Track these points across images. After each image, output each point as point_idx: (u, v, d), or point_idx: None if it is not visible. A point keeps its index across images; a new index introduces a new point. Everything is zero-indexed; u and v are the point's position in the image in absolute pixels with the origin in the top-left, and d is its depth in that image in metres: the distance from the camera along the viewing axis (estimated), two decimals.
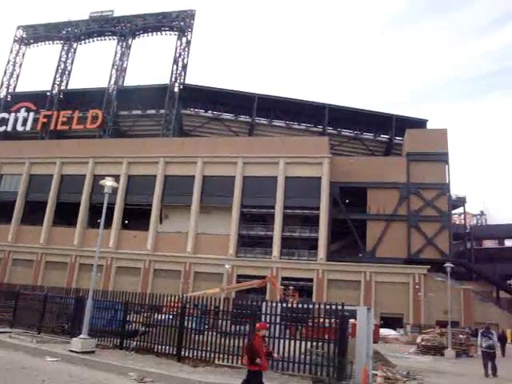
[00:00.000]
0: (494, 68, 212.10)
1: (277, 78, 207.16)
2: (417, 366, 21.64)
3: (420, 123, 72.93)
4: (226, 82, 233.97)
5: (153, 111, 79.00)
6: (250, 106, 74.59)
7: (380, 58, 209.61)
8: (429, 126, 74.08)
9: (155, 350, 16.11)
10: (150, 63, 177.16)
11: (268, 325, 13.00)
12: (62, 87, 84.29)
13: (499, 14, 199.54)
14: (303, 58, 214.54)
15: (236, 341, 15.09)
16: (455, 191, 74.24)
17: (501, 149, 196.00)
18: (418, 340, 32.95)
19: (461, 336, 31.52)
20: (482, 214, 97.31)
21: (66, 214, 65.83)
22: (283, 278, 56.02)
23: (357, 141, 77.70)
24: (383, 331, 44.31)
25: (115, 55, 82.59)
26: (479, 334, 21.40)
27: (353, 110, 74.75)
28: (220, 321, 16.25)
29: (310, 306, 14.76)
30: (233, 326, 16.11)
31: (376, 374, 13.72)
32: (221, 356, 14.89)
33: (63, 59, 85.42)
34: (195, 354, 15.29)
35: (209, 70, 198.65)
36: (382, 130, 76.65)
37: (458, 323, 48.16)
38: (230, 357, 14.69)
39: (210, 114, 78.72)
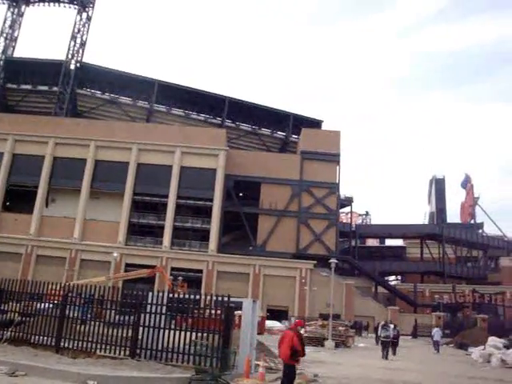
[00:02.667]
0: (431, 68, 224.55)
1: (188, 68, 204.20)
2: None
3: (315, 123, 75.68)
4: (129, 66, 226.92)
5: (45, 88, 74.17)
6: (150, 91, 72.85)
7: (302, 55, 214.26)
8: (330, 127, 77.11)
9: (32, 340, 15.20)
10: (47, 36, 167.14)
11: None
12: None
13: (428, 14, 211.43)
14: (218, 49, 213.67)
15: (120, 331, 14.70)
16: (344, 191, 77.77)
17: (395, 154, 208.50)
18: (301, 332, 34.22)
19: (340, 328, 33.26)
20: (366, 214, 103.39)
21: None
22: (173, 269, 55.72)
23: (254, 135, 78.90)
24: (269, 323, 45.42)
25: (4, 22, 76.63)
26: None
27: (252, 105, 75.70)
28: (105, 310, 15.71)
29: (197, 297, 14.73)
30: (117, 316, 15.66)
31: (258, 364, 14.05)
32: (103, 347, 14.43)
33: None
34: (76, 345, 14.64)
35: (111, 52, 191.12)
36: (280, 126, 78.52)
37: (339, 316, 50.86)
38: (113, 347, 14.27)
39: (107, 96, 75.62)
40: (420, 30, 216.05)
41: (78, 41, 75.26)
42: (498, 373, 21.08)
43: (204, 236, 59.26)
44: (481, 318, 51.26)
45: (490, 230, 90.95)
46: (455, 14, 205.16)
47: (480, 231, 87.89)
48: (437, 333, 33.69)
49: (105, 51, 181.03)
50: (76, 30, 75.55)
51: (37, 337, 15.20)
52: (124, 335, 14.50)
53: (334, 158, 63.42)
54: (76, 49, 74.73)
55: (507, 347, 26.17)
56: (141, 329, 14.11)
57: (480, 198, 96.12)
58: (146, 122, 73.22)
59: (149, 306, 14.30)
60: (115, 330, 14.78)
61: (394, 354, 26.52)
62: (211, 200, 59.28)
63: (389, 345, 25.23)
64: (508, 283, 67.95)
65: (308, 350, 27.76)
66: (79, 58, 74.54)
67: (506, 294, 62.42)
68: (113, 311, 15.42)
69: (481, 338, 33.32)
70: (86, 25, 76.53)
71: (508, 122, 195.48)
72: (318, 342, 31.40)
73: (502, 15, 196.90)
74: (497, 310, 59.42)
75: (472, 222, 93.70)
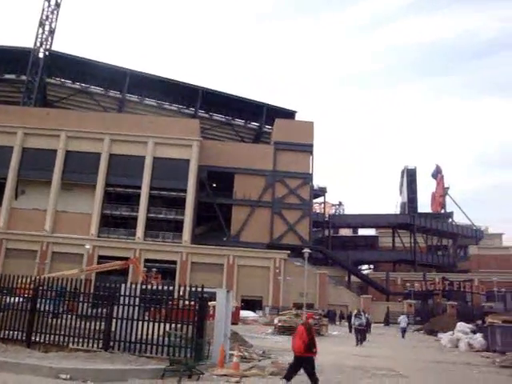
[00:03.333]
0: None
1: (162, 58, 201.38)
2: (273, 345, 22.65)
3: (289, 114, 75.76)
4: (102, 55, 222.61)
5: (12, 76, 72.31)
6: (122, 81, 71.73)
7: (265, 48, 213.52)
8: (304, 118, 77.07)
9: (1, 336, 14.93)
10: (13, 23, 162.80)
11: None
12: None
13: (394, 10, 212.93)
14: (193, 39, 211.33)
15: (93, 323, 14.58)
16: (317, 181, 78.25)
17: (367, 145, 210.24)
18: (276, 321, 34.44)
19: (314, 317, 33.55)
20: (340, 204, 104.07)
21: None
22: (147, 260, 55.44)
23: (228, 126, 78.66)
24: (243, 313, 45.63)
25: None
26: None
27: (226, 96, 75.33)
28: (77, 303, 15.53)
29: (171, 289, 14.70)
30: (90, 309, 15.52)
31: (233, 354, 14.12)
32: (76, 340, 14.28)
33: None
34: (47, 339, 14.45)
35: (83, 41, 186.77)
36: (253, 117, 78.38)
37: (313, 305, 51.43)
38: (86, 340, 14.14)
39: (77, 85, 74.18)
40: (390, 22, 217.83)
41: (47, 28, 73.44)
42: (465, 357, 21.65)
43: (177, 227, 59.06)
44: (450, 304, 52.45)
45: (459, 219, 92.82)
46: (426, 7, 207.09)
47: (450, 220, 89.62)
48: (403, 320, 34.64)
49: (76, 40, 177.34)
50: (44, 17, 73.62)
51: (6, 332, 14.94)
52: (97, 328, 14.39)
53: (307, 149, 63.77)
54: (45, 36, 72.95)
55: (474, 332, 26.88)
56: (114, 321, 14.02)
57: (450, 188, 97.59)
58: (118, 112, 72.27)
59: (122, 298, 14.21)
60: (88, 323, 14.66)
61: (365, 339, 27.15)
62: (185, 191, 59.05)
63: (362, 332, 26.49)
64: (476, 271, 69.57)
65: (282, 339, 28.20)
66: (48, 46, 72.84)
67: (474, 281, 63.89)
68: (85, 304, 15.27)
69: (450, 324, 34.12)
70: (55, 12, 74.58)
71: (482, 114, 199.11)
72: (292, 331, 31.43)
73: (467, 10, 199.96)
74: (465, 297, 60.87)
75: (442, 211, 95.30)
